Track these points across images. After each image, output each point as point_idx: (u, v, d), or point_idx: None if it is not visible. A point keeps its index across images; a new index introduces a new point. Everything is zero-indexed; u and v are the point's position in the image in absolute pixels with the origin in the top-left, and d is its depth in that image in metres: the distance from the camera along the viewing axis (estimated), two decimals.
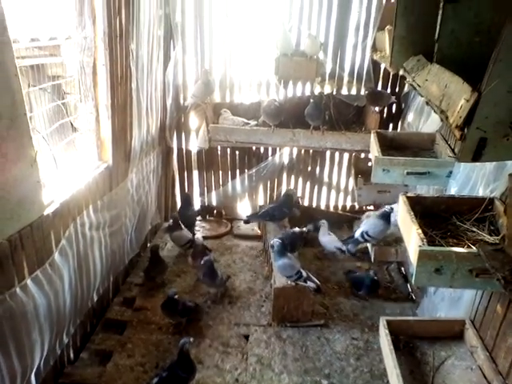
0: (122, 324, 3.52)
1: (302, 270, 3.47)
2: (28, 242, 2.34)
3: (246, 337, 3.45)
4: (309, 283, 3.45)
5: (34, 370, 2.57)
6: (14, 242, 2.21)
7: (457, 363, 2.50)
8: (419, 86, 2.47)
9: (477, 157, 1.81)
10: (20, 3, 2.78)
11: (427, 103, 2.33)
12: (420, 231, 2.09)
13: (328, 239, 4.32)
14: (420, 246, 1.95)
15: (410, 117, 4.38)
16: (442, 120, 2.07)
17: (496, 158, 1.84)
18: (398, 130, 4.78)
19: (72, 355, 3.13)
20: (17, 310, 2.26)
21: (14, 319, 2.25)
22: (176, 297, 3.35)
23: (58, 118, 3.28)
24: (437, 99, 2.11)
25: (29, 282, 2.36)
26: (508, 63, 1.52)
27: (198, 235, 4.82)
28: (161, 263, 4.02)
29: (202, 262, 3.78)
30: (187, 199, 4.90)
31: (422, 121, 3.97)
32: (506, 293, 1.60)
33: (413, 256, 2.04)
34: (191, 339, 2.87)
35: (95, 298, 3.42)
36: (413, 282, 2.02)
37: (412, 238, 2.12)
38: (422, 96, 2.44)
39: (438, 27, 2.23)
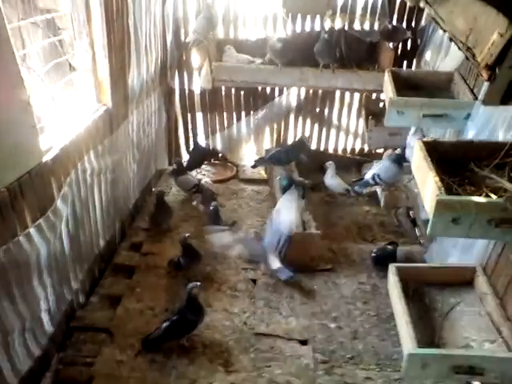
0: (131, 269, 3.53)
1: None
2: (28, 190, 2.26)
3: (254, 281, 3.47)
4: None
5: (48, 314, 2.62)
6: (13, 191, 2.14)
7: (466, 309, 2.50)
8: (442, 19, 2.24)
9: (506, 100, 1.67)
10: None
11: (451, 39, 2.13)
12: (437, 179, 1.97)
13: (335, 182, 4.25)
14: (438, 196, 1.85)
15: (427, 54, 4.12)
16: (467, 58, 1.89)
17: None
18: (413, 67, 4.52)
19: (82, 300, 3.17)
20: (20, 259, 2.23)
21: (19, 267, 2.23)
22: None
23: (55, 56, 3.09)
24: (463, 34, 1.91)
25: (32, 230, 2.31)
26: None
27: (206, 179, 4.74)
28: (166, 209, 3.97)
29: (211, 208, 3.74)
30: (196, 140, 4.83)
31: (439, 58, 3.73)
32: None
33: (429, 205, 1.94)
34: (198, 283, 2.87)
35: (102, 244, 3.41)
36: (428, 232, 1.95)
37: (428, 186, 2.02)
38: (444, 31, 2.23)
39: None
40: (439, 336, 2.34)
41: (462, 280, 2.63)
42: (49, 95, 2.88)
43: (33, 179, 2.28)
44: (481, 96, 2.81)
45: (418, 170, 2.29)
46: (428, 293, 2.62)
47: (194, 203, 4.36)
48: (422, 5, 2.70)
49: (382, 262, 3.44)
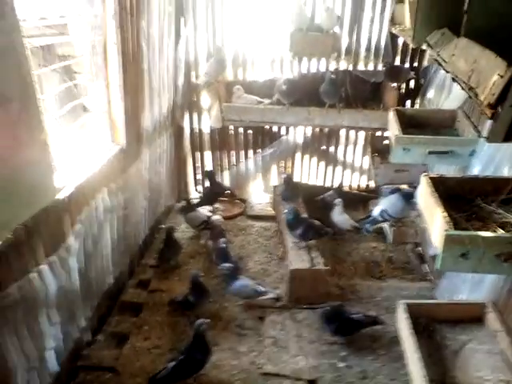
0: (138, 306, 3.52)
1: (257, 286, 3.46)
2: (43, 227, 2.32)
3: (262, 319, 3.43)
4: (269, 294, 3.46)
5: (54, 353, 2.59)
6: (29, 227, 2.19)
7: (478, 347, 2.45)
8: (445, 61, 2.34)
9: (509, 137, 1.72)
10: None
11: (454, 79, 2.22)
12: (446, 214, 2.01)
13: (342, 218, 4.28)
14: (446, 231, 1.88)
15: (431, 93, 4.23)
16: (470, 97, 1.96)
17: None
18: (417, 106, 4.63)
19: (88, 338, 3.14)
20: (31, 295, 2.25)
21: (28, 303, 2.25)
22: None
23: (69, 99, 3.21)
24: (465, 75, 2.00)
25: (44, 266, 2.35)
26: None
27: (216, 216, 4.77)
28: (175, 245, 4.00)
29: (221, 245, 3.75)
30: (212, 175, 4.85)
31: (442, 97, 3.83)
32: None
33: (438, 240, 1.96)
34: (207, 321, 2.85)
35: (111, 281, 3.41)
36: (437, 266, 1.96)
37: (437, 221, 2.04)
38: (447, 72, 2.32)
39: None
40: (451, 375, 2.29)
41: (471, 316, 2.59)
42: (64, 136, 2.98)
43: (48, 216, 2.34)
44: (485, 133, 2.87)
45: (426, 205, 2.32)
46: (438, 330, 2.58)
47: (203, 241, 4.37)
48: (424, 47, 2.82)
49: (328, 321, 3.18)
